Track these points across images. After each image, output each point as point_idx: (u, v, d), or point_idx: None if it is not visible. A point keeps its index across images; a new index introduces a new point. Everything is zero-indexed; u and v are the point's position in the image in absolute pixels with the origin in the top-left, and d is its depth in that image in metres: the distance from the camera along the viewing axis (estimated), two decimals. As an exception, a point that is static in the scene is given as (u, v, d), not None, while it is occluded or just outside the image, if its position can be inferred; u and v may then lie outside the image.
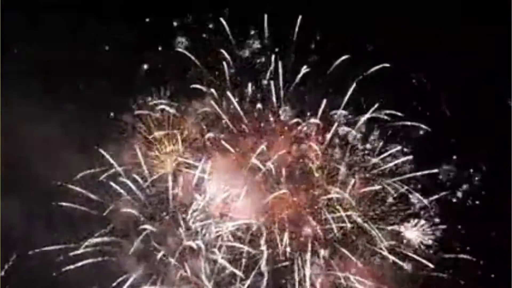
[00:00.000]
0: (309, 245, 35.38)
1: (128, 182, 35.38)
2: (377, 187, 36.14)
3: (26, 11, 37.01)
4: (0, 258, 35.45)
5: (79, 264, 35.05)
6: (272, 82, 36.98)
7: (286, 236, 35.35)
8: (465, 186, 37.24)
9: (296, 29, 37.19)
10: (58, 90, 35.71)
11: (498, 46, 38.31)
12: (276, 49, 37.36)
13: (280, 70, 37.02)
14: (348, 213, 35.65)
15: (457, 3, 38.82)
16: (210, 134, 36.23)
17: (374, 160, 36.74)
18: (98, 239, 35.35)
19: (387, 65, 37.23)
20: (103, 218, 35.34)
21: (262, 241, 35.39)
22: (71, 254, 35.01)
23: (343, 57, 37.05)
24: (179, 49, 36.80)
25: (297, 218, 35.87)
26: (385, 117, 37.22)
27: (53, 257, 35.18)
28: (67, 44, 36.50)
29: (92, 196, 35.34)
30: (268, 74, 37.18)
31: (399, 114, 37.07)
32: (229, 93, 36.46)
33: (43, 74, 35.86)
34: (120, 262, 35.33)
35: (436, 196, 36.65)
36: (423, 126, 37.21)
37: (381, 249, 35.49)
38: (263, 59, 37.53)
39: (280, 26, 37.61)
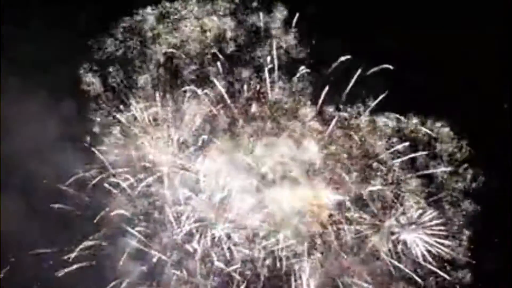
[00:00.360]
0: (306, 247, 35.22)
1: (123, 184, 35.10)
2: (374, 188, 35.89)
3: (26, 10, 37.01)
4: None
5: (75, 266, 34.87)
6: (268, 83, 36.74)
7: (282, 238, 35.09)
8: (464, 188, 36.86)
9: (293, 27, 37.24)
10: (54, 90, 35.27)
11: (498, 46, 38.18)
12: (273, 50, 37.04)
13: (277, 70, 36.91)
14: (345, 214, 35.50)
15: (457, 3, 38.56)
16: (204, 136, 35.91)
17: (372, 160, 36.45)
18: (93, 242, 35.09)
19: (388, 66, 36.99)
20: (98, 220, 35.02)
21: (258, 243, 35.13)
22: (67, 257, 34.79)
23: (342, 58, 36.86)
24: (173, 50, 36.60)
25: (294, 220, 35.65)
26: (384, 119, 37.10)
27: (48, 260, 35.03)
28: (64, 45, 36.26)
29: (87, 198, 35.14)
30: (266, 73, 36.98)
31: (398, 116, 37.01)
32: (224, 94, 36.26)
33: (41, 74, 35.51)
34: (115, 264, 35.06)
35: (434, 198, 36.41)
36: (423, 128, 37.11)
37: (378, 251, 35.25)
38: (260, 60, 37.19)
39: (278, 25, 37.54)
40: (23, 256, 34.80)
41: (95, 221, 34.91)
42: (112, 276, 34.90)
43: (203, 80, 36.15)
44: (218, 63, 36.39)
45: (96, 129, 35.61)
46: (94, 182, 34.85)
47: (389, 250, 35.13)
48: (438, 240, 36.02)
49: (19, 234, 34.81)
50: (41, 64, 35.51)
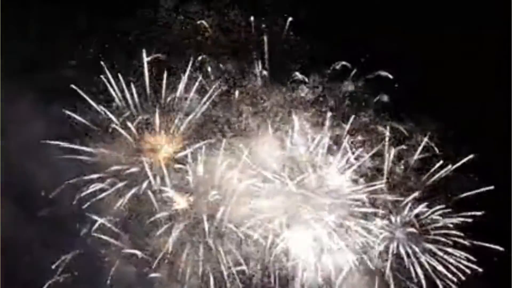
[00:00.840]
0: (300, 249, 34.79)
1: (112, 188, 34.94)
2: (368, 188, 35.43)
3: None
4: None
5: (67, 275, 34.99)
6: (260, 88, 36.64)
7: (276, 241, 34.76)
8: (463, 192, 35.95)
9: (285, 32, 37.09)
10: (45, 91, 35.03)
11: (498, 47, 37.45)
12: (265, 54, 36.93)
13: (269, 76, 36.77)
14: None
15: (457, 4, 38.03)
16: (198, 144, 35.74)
17: (368, 163, 36.04)
18: (84, 248, 35.00)
19: (385, 73, 36.83)
20: (88, 226, 35.03)
21: (252, 246, 34.88)
22: (55, 265, 34.83)
23: (337, 63, 36.80)
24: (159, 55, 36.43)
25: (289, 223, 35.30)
26: (380, 122, 36.60)
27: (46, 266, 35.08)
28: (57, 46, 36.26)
29: (77, 203, 34.94)
30: (258, 78, 36.88)
31: (396, 125, 36.60)
32: (215, 99, 36.14)
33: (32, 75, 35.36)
34: (108, 270, 34.98)
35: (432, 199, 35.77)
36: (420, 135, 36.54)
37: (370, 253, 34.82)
38: (251, 65, 36.99)
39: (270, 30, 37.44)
40: (15, 263, 34.83)
41: (87, 228, 35.06)
42: (104, 283, 34.97)
43: (193, 85, 35.99)
44: (209, 68, 36.39)
45: (86, 132, 35.37)
46: (84, 186, 34.80)
47: (380, 253, 34.78)
48: (441, 247, 35.54)
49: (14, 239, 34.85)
50: (32, 64, 35.48)
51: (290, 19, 37.04)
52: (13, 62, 35.06)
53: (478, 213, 35.52)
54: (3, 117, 34.98)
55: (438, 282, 35.22)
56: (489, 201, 35.53)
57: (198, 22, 36.74)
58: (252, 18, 36.87)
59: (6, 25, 35.36)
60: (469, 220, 35.64)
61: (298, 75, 36.90)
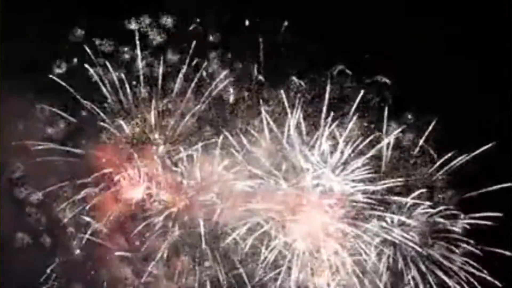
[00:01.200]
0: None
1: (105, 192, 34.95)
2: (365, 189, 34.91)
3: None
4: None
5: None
6: (256, 90, 36.47)
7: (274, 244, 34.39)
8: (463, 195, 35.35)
9: (281, 35, 36.94)
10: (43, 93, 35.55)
11: (498, 47, 36.93)
12: (261, 58, 36.84)
13: (265, 81, 36.59)
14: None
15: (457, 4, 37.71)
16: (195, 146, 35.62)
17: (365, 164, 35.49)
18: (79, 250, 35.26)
19: (383, 78, 36.48)
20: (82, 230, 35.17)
21: (248, 249, 34.54)
22: (50, 269, 34.99)
23: (335, 68, 36.53)
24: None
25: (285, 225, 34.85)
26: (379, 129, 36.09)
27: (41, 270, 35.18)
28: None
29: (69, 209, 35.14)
30: (255, 80, 36.81)
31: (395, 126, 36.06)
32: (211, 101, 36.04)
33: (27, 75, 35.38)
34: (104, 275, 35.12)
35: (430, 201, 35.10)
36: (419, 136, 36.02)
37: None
38: (248, 67, 36.91)
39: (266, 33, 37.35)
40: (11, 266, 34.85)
41: (81, 231, 35.16)
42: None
43: (188, 87, 35.95)
44: (204, 73, 36.25)
45: (79, 133, 35.47)
46: (78, 189, 34.77)
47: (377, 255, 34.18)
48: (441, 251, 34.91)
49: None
50: (30, 64, 35.52)
51: (286, 22, 37.08)
52: (12, 62, 35.25)
53: (481, 215, 34.74)
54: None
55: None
56: (491, 202, 34.88)
57: (194, 25, 36.95)
58: (247, 22, 36.86)
59: (6, 25, 35.58)
60: (471, 222, 34.98)
61: (295, 79, 36.72)
